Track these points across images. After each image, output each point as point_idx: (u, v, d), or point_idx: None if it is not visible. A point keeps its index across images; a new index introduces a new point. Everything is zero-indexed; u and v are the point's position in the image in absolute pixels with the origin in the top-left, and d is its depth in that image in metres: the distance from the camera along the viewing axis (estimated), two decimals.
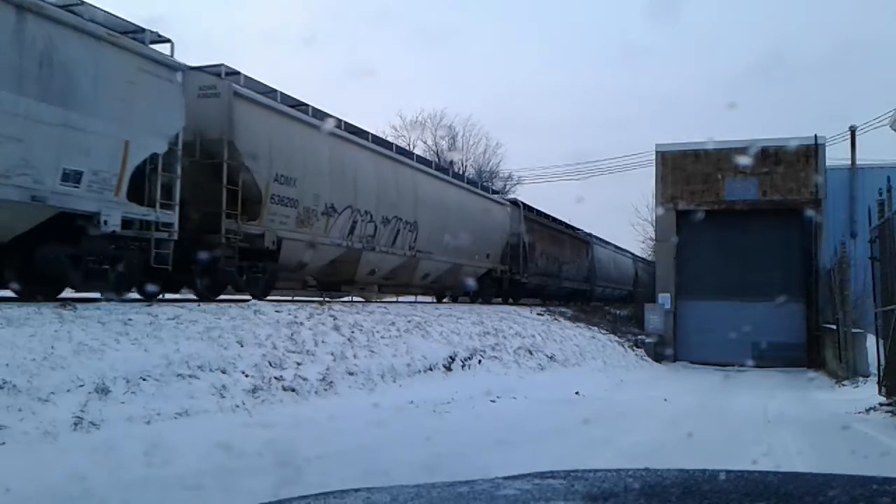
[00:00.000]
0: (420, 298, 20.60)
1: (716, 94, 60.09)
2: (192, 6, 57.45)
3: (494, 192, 22.99)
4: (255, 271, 10.77)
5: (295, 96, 12.17)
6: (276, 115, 11.24)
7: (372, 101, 58.86)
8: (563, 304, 25.20)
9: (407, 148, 26.40)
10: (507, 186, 38.27)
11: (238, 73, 10.71)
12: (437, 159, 32.85)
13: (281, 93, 11.63)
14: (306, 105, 12.34)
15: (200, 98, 9.78)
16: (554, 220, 26.26)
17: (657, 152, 21.65)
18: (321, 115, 12.64)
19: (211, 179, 9.84)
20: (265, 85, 11.38)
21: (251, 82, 11.07)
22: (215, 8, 66.26)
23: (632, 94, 73.58)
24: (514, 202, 22.64)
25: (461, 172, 32.07)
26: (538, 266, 23.10)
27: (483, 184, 22.95)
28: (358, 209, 13.12)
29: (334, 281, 13.98)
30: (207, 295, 10.15)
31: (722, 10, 75.07)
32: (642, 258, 41.97)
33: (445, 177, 18.04)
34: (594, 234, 31.12)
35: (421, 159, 17.40)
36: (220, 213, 9.78)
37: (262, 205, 10.57)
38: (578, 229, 29.50)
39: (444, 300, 19.71)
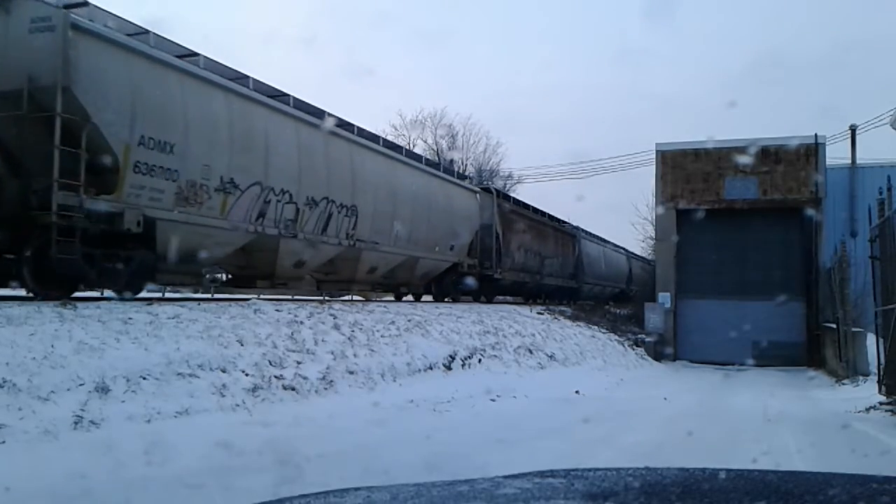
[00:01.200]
0: (422, 298, 20.50)
1: (715, 95, 60.17)
2: (193, 8, 57.48)
3: (463, 176, 20.41)
4: (114, 261, 8.40)
5: (182, 44, 9.78)
6: (145, 60, 8.69)
7: (372, 101, 58.87)
8: (547, 302, 23.66)
9: (408, 147, 25.30)
10: (508, 185, 38.21)
11: (87, 3, 8.28)
12: (437, 158, 32.74)
13: (156, 34, 9.19)
14: (197, 55, 9.87)
15: (32, 34, 7.57)
16: (535, 210, 24.17)
17: (657, 151, 21.65)
18: (221, 69, 10.21)
19: (44, 140, 7.63)
20: (135, 25, 9.04)
21: (111, 19, 8.78)
22: (216, 10, 66.25)
23: (632, 93, 73.60)
24: (487, 189, 20.31)
25: (461, 169, 31.60)
26: (515, 261, 20.96)
27: (446, 166, 19.55)
28: (271, 187, 10.63)
29: (249, 275, 11.69)
30: (44, 291, 7.86)
31: (721, 10, 75.04)
32: (637, 255, 40.70)
33: (396, 155, 15.14)
34: (582, 227, 29.12)
35: (365, 133, 13.97)
36: (52, 183, 7.47)
37: (119, 175, 8.24)
38: (564, 222, 27.50)
39: (406, 298, 17.69)
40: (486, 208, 19.25)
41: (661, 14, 70.93)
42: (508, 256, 20.33)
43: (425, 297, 17.89)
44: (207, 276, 11.65)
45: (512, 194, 29.69)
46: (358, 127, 13.63)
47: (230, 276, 12.14)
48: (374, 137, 14.48)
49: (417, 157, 16.67)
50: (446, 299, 17.46)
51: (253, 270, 11.53)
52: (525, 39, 74.91)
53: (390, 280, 15.71)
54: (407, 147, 25.59)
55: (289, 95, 11.60)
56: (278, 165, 10.88)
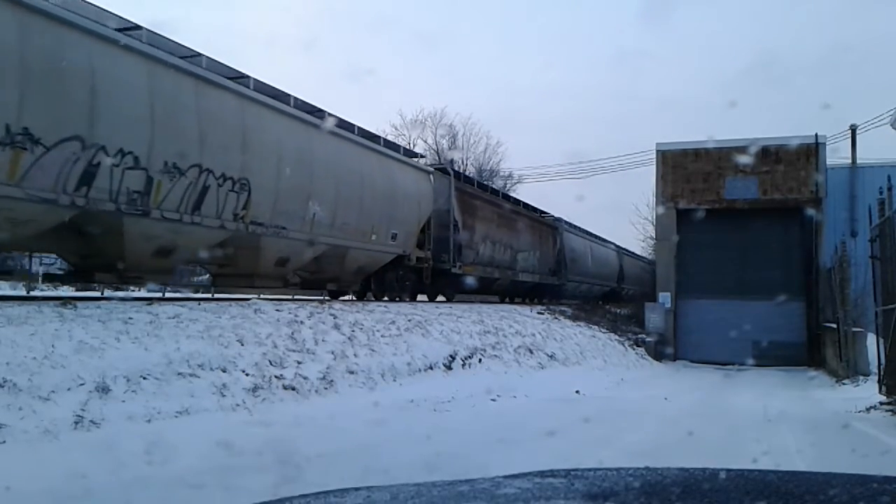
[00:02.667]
0: (420, 298, 20.31)
1: (715, 95, 60.21)
2: (196, 11, 57.51)
3: (413, 154, 17.06)
4: None
5: None
6: None
7: (372, 102, 58.84)
8: (524, 301, 22.40)
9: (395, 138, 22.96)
10: (508, 185, 38.18)
11: None
12: (437, 158, 32.67)
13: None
14: None
15: None
16: (506, 197, 22.15)
17: (658, 151, 21.65)
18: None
19: None
20: None
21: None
22: (218, 12, 66.26)
23: (631, 94, 73.62)
24: (443, 169, 17.57)
25: (461, 169, 30.82)
26: (480, 254, 18.51)
27: (387, 139, 15.66)
28: (101, 145, 7.88)
29: (90, 266, 9.09)
30: None
31: (720, 11, 75.02)
32: (630, 251, 38.62)
33: (314, 120, 11.72)
34: (565, 219, 26.77)
35: (268, 88, 10.87)
36: None
37: None
38: (544, 213, 25.49)
39: (344, 298, 15.05)
40: (442, 192, 16.56)
41: (659, 15, 70.94)
42: (471, 249, 17.85)
43: (374, 296, 15.21)
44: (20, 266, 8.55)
45: (513, 194, 28.78)
46: (256, 80, 10.62)
47: (69, 268, 9.48)
48: (282, 96, 11.23)
49: (348, 126, 13.04)
50: (386, 298, 14.76)
51: (95, 259, 8.92)
52: (524, 40, 74.98)
53: (316, 275, 13.12)
54: (409, 146, 24.86)
55: (141, 28, 8.77)
56: (113, 117, 8.02)
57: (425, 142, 39.29)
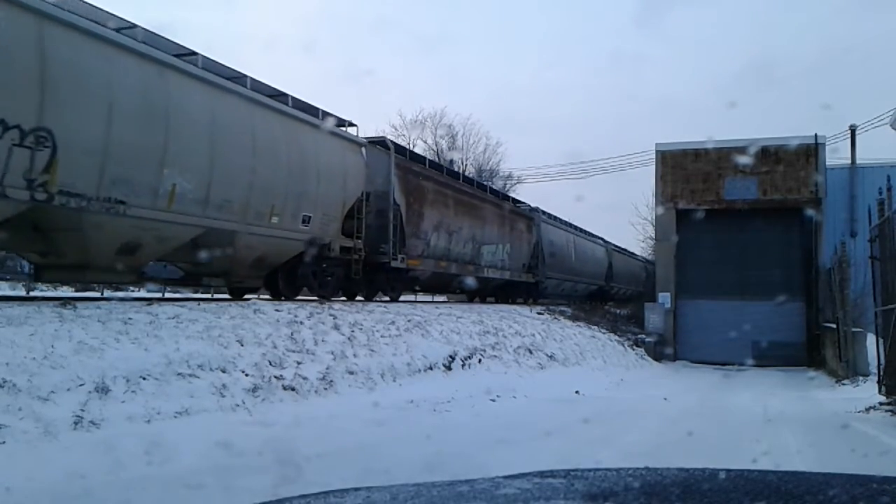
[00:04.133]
0: (419, 297, 20.24)
1: (713, 96, 60.33)
2: (198, 14, 57.54)
3: (341, 122, 12.84)
4: None
5: None
6: None
7: (373, 102, 58.82)
8: (502, 301, 20.34)
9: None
10: (508, 185, 38.16)
11: None
12: (437, 158, 32.60)
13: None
14: None
15: None
16: (467, 181, 19.51)
17: (657, 151, 21.66)
18: None
19: None
20: None
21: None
22: (219, 15, 66.28)
23: (630, 95, 73.64)
24: (381, 142, 14.54)
25: (461, 169, 30.55)
26: (431, 245, 15.79)
27: (297, 98, 11.65)
28: None
29: None
30: None
31: (719, 12, 75.04)
32: (620, 247, 36.14)
33: (171, 60, 8.88)
34: (543, 209, 24.15)
35: (86, 7, 8.12)
36: None
37: None
38: (518, 202, 23.07)
39: (249, 296, 11.96)
40: (380, 170, 13.87)
41: (658, 17, 71.06)
42: (419, 239, 15.17)
43: (282, 295, 11.91)
44: None
45: (515, 196, 27.32)
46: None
47: None
48: (124, 26, 8.55)
49: (237, 78, 10.21)
50: (299, 297, 11.98)
51: None
52: (524, 42, 75.00)
53: (198, 267, 10.34)
54: (408, 146, 23.71)
55: None
56: None
57: (425, 142, 39.33)
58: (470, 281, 17.66)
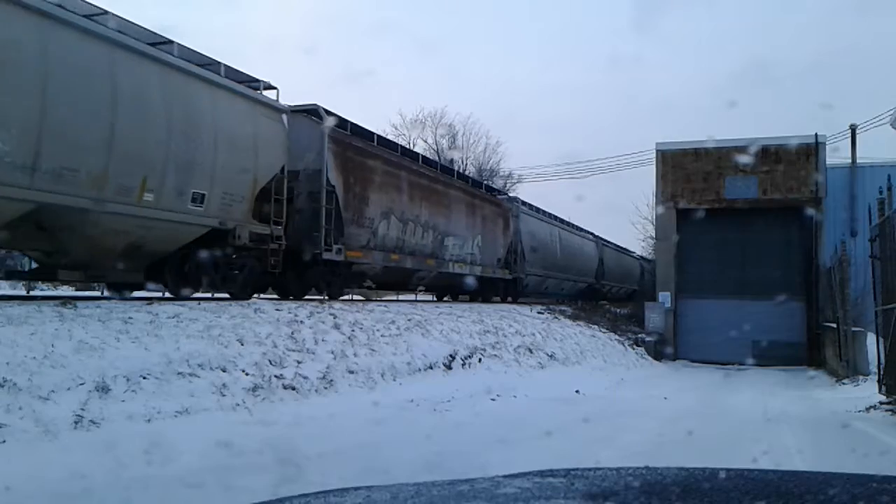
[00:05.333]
0: (420, 297, 20.18)
1: (713, 96, 60.32)
2: (201, 16, 57.58)
3: (254, 83, 10.60)
4: None
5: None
6: None
7: (373, 103, 58.77)
8: (477, 299, 18.72)
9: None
10: (508, 185, 38.11)
11: None
12: (437, 157, 32.57)
13: None
14: None
15: None
16: (428, 162, 17.29)
17: (657, 151, 21.65)
18: None
19: None
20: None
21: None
22: (221, 17, 66.31)
23: (629, 95, 73.64)
24: (314, 111, 12.12)
25: (460, 169, 29.80)
26: (379, 235, 13.54)
27: (187, 47, 9.47)
28: None
29: None
30: None
31: (718, 13, 75.04)
32: (613, 243, 34.06)
33: None
34: (522, 199, 22.12)
35: None
36: None
37: None
38: (493, 189, 21.03)
39: (138, 294, 9.78)
40: (311, 144, 11.75)
41: (657, 17, 71.09)
42: (362, 227, 13.03)
43: (171, 293, 9.89)
44: None
45: (511, 193, 27.33)
46: None
47: None
48: None
49: (100, 16, 8.12)
50: (197, 295, 9.81)
51: None
52: (524, 42, 75.02)
53: (45, 256, 8.64)
54: (408, 145, 23.25)
55: None
56: None
57: (425, 141, 39.27)
58: (432, 277, 15.69)
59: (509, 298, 20.83)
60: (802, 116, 62.55)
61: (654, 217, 25.91)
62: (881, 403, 9.19)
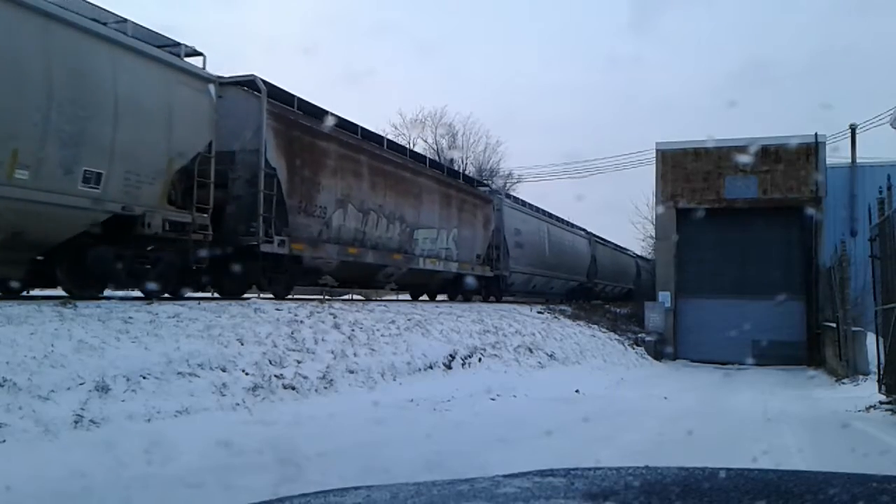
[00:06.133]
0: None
1: (712, 96, 60.30)
2: (202, 18, 57.57)
3: (167, 42, 9.12)
4: None
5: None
6: None
7: (373, 103, 58.75)
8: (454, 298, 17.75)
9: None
10: (508, 184, 38.06)
11: None
12: (437, 157, 32.54)
13: None
14: None
15: None
16: (395, 146, 15.60)
17: (657, 150, 21.64)
18: None
19: None
20: None
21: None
22: (222, 18, 66.32)
23: (628, 95, 73.60)
24: (251, 83, 10.57)
25: (460, 169, 29.73)
26: (333, 226, 12.14)
27: (89, 2, 8.11)
28: None
29: None
30: None
31: (718, 13, 75.04)
32: (607, 240, 32.72)
33: None
34: (505, 192, 20.81)
35: None
36: None
37: None
38: (473, 179, 19.73)
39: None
40: (247, 121, 10.36)
41: (656, 17, 71.11)
42: (312, 217, 11.61)
43: (67, 293, 8.39)
44: None
45: (510, 192, 27.04)
46: None
47: None
48: None
49: None
50: (102, 296, 8.43)
51: None
52: (524, 42, 75.02)
53: None
54: (408, 145, 23.05)
55: None
56: None
57: (425, 141, 39.23)
58: (401, 273, 14.37)
59: (491, 298, 19.68)
60: (802, 116, 62.66)
61: (654, 217, 25.90)
62: (881, 403, 9.19)
